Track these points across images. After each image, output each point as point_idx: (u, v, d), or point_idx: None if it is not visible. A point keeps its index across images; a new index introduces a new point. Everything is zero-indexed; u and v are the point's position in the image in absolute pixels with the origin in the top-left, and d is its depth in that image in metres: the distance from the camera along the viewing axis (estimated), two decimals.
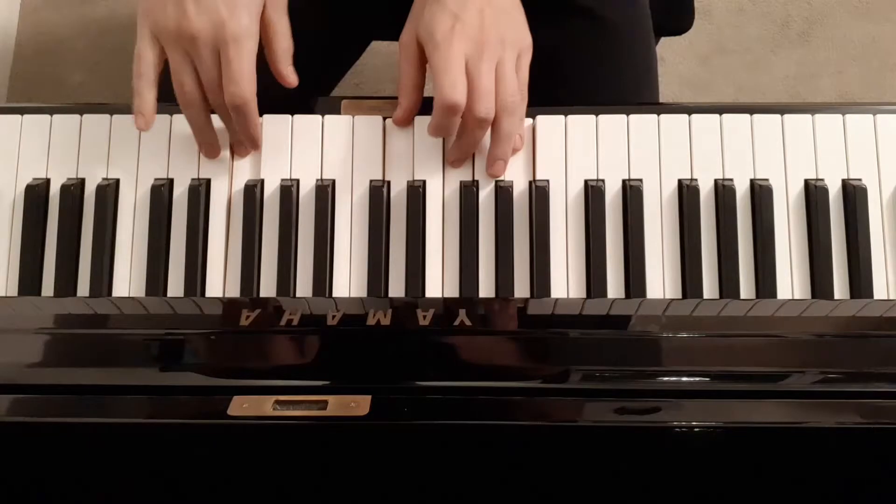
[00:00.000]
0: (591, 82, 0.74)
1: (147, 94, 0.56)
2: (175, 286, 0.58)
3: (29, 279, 0.59)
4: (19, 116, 0.61)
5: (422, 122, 0.60)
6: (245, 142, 0.58)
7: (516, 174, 0.60)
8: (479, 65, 0.55)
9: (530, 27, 0.75)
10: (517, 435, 0.43)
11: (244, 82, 0.54)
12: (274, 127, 0.60)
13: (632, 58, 0.73)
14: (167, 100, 0.74)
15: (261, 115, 0.58)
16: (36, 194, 0.59)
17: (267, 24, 0.57)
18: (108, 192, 0.59)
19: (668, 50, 1.24)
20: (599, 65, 0.72)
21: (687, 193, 0.59)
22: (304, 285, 0.58)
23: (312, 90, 0.67)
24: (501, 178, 0.59)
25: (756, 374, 0.47)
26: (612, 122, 0.60)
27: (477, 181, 0.59)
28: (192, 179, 0.60)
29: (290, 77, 0.58)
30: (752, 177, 0.59)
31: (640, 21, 0.76)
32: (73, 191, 0.59)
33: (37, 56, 1.40)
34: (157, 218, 0.59)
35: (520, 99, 0.57)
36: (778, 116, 0.59)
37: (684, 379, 0.46)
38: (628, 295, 0.57)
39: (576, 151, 0.60)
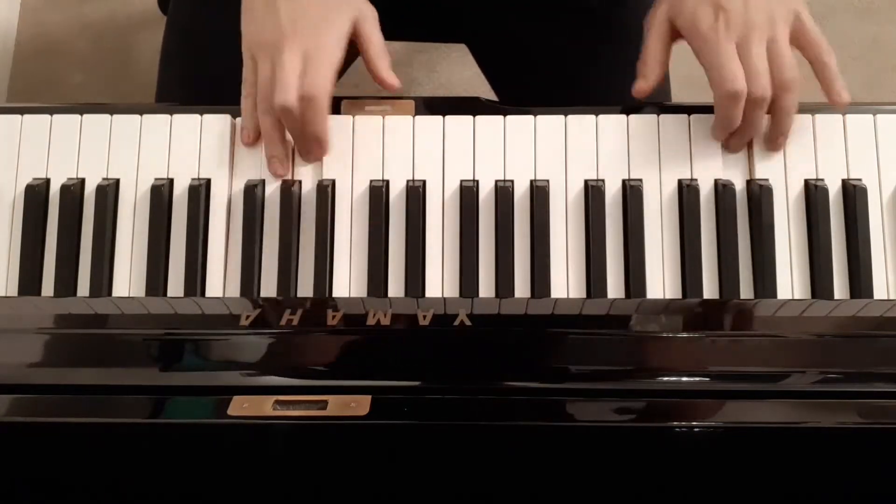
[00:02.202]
0: (594, 83, 0.74)
1: (252, 112, 0.58)
2: (175, 286, 0.58)
3: (29, 279, 0.59)
4: (19, 116, 0.61)
5: (422, 121, 0.60)
6: (311, 140, 0.58)
7: (516, 174, 0.60)
8: (750, 49, 0.56)
9: (533, 26, 0.75)
10: (517, 435, 0.43)
11: (321, 77, 0.56)
12: None
13: (636, 57, 0.73)
14: (164, 99, 0.74)
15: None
16: (36, 194, 0.59)
17: (361, 38, 0.59)
18: (108, 192, 0.59)
19: None
20: (604, 66, 0.72)
21: (687, 193, 0.59)
22: (304, 285, 0.58)
23: None
24: (502, 178, 0.59)
25: (756, 374, 0.47)
26: (612, 122, 0.60)
27: (477, 181, 0.59)
28: (192, 179, 0.60)
29: (391, 79, 0.59)
30: (752, 177, 0.59)
31: (642, 18, 0.75)
32: (73, 191, 0.59)
33: (37, 56, 1.40)
34: (157, 218, 0.59)
35: (797, 74, 0.57)
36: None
37: (684, 379, 0.46)
38: (628, 295, 0.57)
39: (576, 151, 0.60)
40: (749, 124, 0.57)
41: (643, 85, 0.60)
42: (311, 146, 0.58)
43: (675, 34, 0.60)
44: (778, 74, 0.56)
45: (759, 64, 0.56)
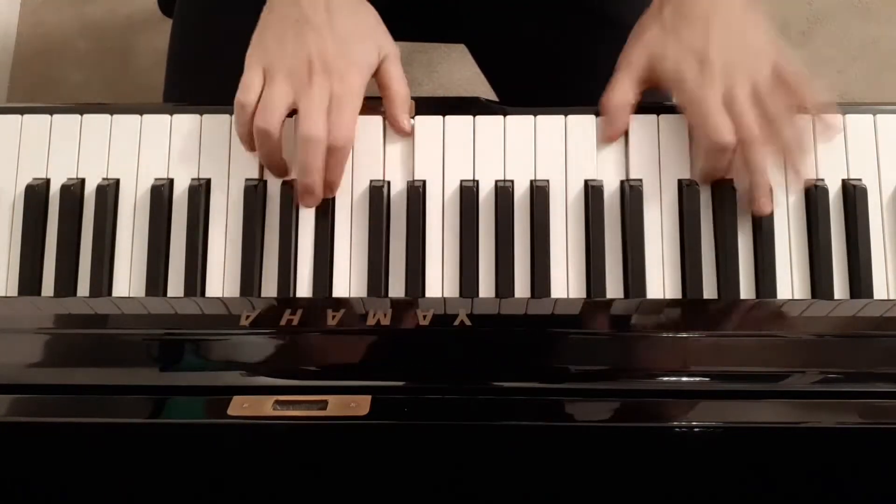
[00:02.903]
0: (595, 83, 0.74)
1: (248, 123, 0.57)
2: (175, 286, 0.58)
3: (29, 279, 0.59)
4: (19, 116, 0.61)
5: (422, 121, 0.60)
6: (326, 186, 0.58)
7: (516, 174, 0.60)
8: (734, 95, 0.56)
9: (533, 26, 0.75)
10: (517, 435, 0.43)
11: (350, 130, 0.57)
12: None
13: None
14: (170, 100, 0.74)
15: None
16: (36, 194, 0.59)
17: (384, 75, 0.60)
18: (108, 192, 0.59)
19: None
20: (604, 66, 0.71)
21: (687, 193, 0.59)
22: (304, 285, 0.58)
23: None
24: (502, 178, 0.59)
25: (756, 374, 0.47)
26: None
27: (477, 181, 0.59)
28: (192, 179, 0.60)
29: (404, 124, 0.60)
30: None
31: None
32: (73, 191, 0.59)
33: (37, 56, 1.40)
34: (157, 218, 0.59)
35: (789, 107, 0.57)
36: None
37: (684, 379, 0.46)
38: (628, 295, 0.57)
39: (576, 151, 0.60)
40: (755, 169, 0.57)
41: (611, 133, 0.59)
42: (327, 189, 0.58)
43: (649, 82, 0.60)
44: (768, 112, 0.56)
45: (744, 107, 0.56)
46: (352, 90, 0.57)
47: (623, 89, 0.59)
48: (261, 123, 0.56)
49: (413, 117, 0.61)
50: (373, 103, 0.60)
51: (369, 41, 0.59)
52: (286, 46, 0.57)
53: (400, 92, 0.60)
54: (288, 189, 0.59)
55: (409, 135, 0.60)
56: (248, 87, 0.57)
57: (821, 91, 0.58)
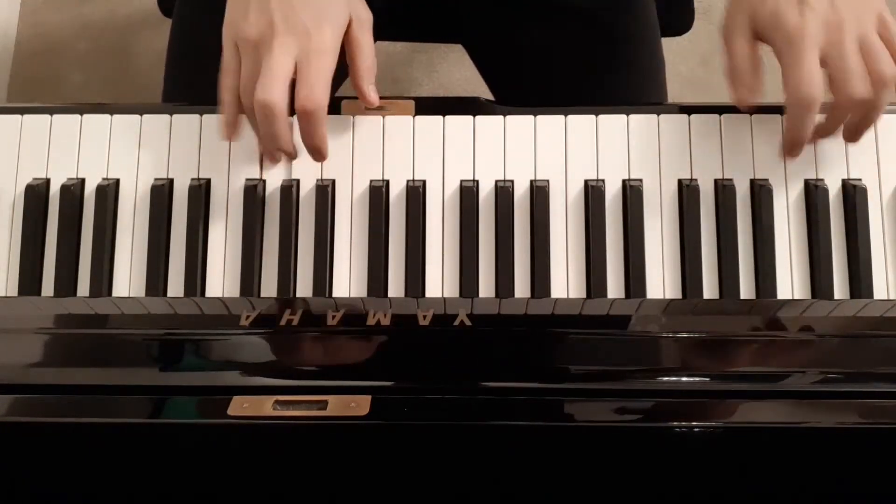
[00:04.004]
0: (589, 86, 0.74)
1: (235, 106, 0.56)
2: (175, 286, 0.58)
3: (29, 279, 0.59)
4: (19, 116, 0.61)
5: (422, 121, 0.60)
6: (310, 151, 0.57)
7: (516, 174, 0.60)
8: (842, 48, 0.53)
9: (531, 28, 0.75)
10: (517, 435, 0.43)
11: (319, 87, 0.54)
12: None
13: (635, 62, 0.73)
14: (170, 99, 0.74)
15: None
16: (36, 194, 0.59)
17: (352, 42, 0.57)
18: (108, 192, 0.59)
19: (668, 50, 1.24)
20: (598, 69, 0.71)
21: (687, 193, 0.59)
22: (304, 285, 0.58)
23: None
24: (502, 178, 0.59)
25: (756, 374, 0.47)
26: (612, 122, 0.60)
27: (477, 181, 0.60)
28: (192, 179, 0.60)
29: (371, 95, 0.58)
30: (752, 177, 0.59)
31: (643, 26, 0.75)
32: (73, 191, 0.59)
33: (37, 56, 1.40)
34: (157, 218, 0.59)
35: (893, 69, 0.54)
36: (778, 116, 0.59)
37: (684, 379, 0.46)
38: (628, 295, 0.57)
39: (576, 151, 0.60)
40: (837, 124, 0.55)
41: (745, 94, 0.57)
42: (312, 154, 0.57)
43: (755, 36, 0.57)
44: (875, 71, 0.54)
45: (856, 64, 0.53)
46: (320, 47, 0.54)
47: (739, 49, 0.57)
48: (244, 101, 0.55)
49: (413, 117, 0.61)
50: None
51: (339, 1, 0.57)
52: (249, 15, 0.55)
53: (366, 63, 0.58)
54: (288, 189, 0.59)
55: (375, 105, 0.59)
56: (226, 69, 0.56)
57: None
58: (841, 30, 0.53)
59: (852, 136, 0.57)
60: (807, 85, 0.53)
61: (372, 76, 0.58)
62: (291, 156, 0.58)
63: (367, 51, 0.58)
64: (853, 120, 0.56)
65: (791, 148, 0.57)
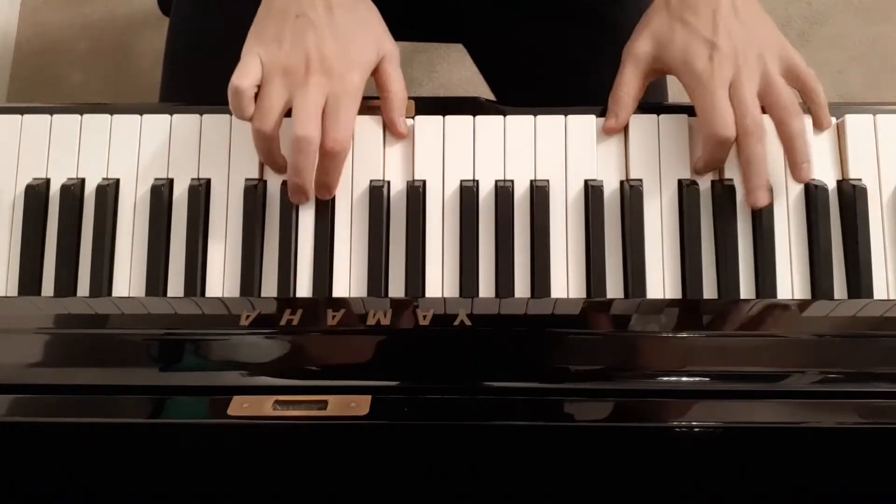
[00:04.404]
0: (594, 83, 0.73)
1: (248, 107, 0.57)
2: (175, 286, 0.58)
3: (29, 279, 0.59)
4: (19, 116, 0.61)
5: (422, 121, 0.60)
6: (322, 189, 0.58)
7: (516, 174, 0.60)
8: (742, 85, 0.56)
9: (530, 27, 0.75)
10: (517, 435, 0.43)
11: (347, 133, 0.56)
12: None
13: None
14: (168, 99, 0.74)
15: None
16: (36, 194, 0.59)
17: (383, 76, 0.60)
18: (108, 192, 0.59)
19: None
20: (599, 68, 0.71)
21: (687, 193, 0.59)
22: (304, 285, 0.58)
23: None
24: (502, 178, 0.59)
25: (756, 374, 0.47)
26: None
27: (477, 181, 0.59)
28: (192, 179, 0.60)
29: (401, 127, 0.60)
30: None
31: None
32: (73, 191, 0.59)
33: (37, 56, 1.40)
34: (157, 218, 0.59)
35: (794, 100, 0.57)
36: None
37: (684, 379, 0.46)
38: (628, 295, 0.57)
39: (576, 151, 0.60)
40: (753, 160, 0.57)
41: (614, 125, 0.59)
42: (320, 192, 0.58)
43: (655, 70, 0.60)
44: (776, 101, 0.57)
45: (750, 99, 0.56)
46: (349, 91, 0.57)
47: (628, 82, 0.60)
48: (258, 125, 0.56)
49: (413, 117, 0.61)
50: (373, 103, 0.60)
51: (369, 40, 0.59)
52: (284, 44, 0.57)
53: (398, 94, 0.60)
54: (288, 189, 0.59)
55: (405, 137, 0.60)
56: (245, 73, 0.56)
57: (820, 87, 0.59)
58: (741, 69, 0.57)
59: (796, 174, 0.58)
60: (720, 126, 0.56)
61: (403, 107, 0.60)
62: (306, 190, 0.57)
63: (398, 84, 0.60)
64: (788, 157, 0.58)
65: (706, 170, 0.59)
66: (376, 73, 0.60)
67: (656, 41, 0.59)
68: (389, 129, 0.60)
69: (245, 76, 0.56)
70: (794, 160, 0.58)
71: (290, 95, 0.56)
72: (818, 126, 0.59)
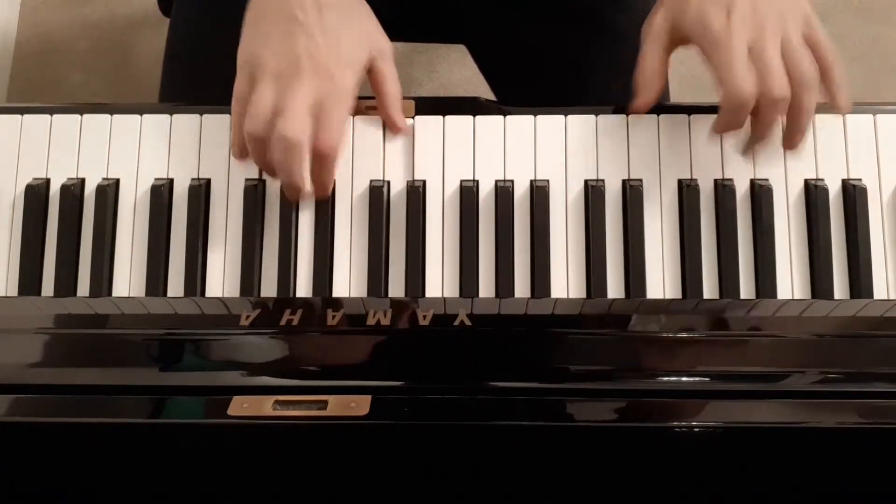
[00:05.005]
0: (594, 83, 0.74)
1: (240, 131, 0.57)
2: (175, 286, 0.58)
3: (29, 279, 0.59)
4: (19, 116, 0.61)
5: (422, 121, 0.60)
6: (317, 189, 0.57)
7: (516, 174, 0.60)
8: (764, 48, 0.54)
9: (532, 27, 0.75)
10: (517, 435, 0.43)
11: (337, 134, 0.55)
12: None
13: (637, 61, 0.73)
14: (168, 99, 0.74)
15: None
16: (36, 194, 0.59)
17: (376, 74, 0.59)
18: (108, 192, 0.59)
19: None
20: (600, 68, 0.71)
21: (687, 193, 0.59)
22: (304, 285, 0.58)
23: None
24: (502, 178, 0.59)
25: (756, 374, 0.47)
26: (612, 123, 0.60)
27: (477, 181, 0.59)
28: (192, 179, 0.60)
29: (399, 123, 0.59)
30: (752, 177, 0.59)
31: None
32: (73, 191, 0.59)
33: (37, 56, 1.40)
34: (157, 218, 0.59)
35: (814, 70, 0.55)
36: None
37: (684, 379, 0.46)
38: (628, 295, 0.57)
39: (576, 151, 0.60)
40: (766, 126, 0.56)
41: (643, 101, 0.59)
42: (316, 190, 0.58)
43: (675, 41, 0.59)
44: (796, 72, 0.55)
45: (776, 64, 0.54)
46: (340, 91, 0.56)
47: (651, 57, 0.59)
48: (249, 128, 0.55)
49: (413, 117, 0.61)
50: (373, 103, 0.60)
51: (360, 38, 0.58)
52: (273, 46, 0.56)
53: (392, 92, 0.59)
54: None
55: (405, 134, 0.60)
56: (240, 97, 0.56)
57: (839, 63, 0.57)
58: (763, 30, 0.54)
59: (788, 142, 0.58)
60: (740, 87, 0.54)
61: (398, 104, 0.59)
62: (299, 189, 0.56)
63: (392, 80, 0.59)
64: (787, 126, 0.57)
65: (721, 131, 0.58)
66: (371, 73, 0.59)
67: (671, 12, 0.58)
68: (388, 127, 0.60)
69: (238, 100, 0.56)
70: (791, 130, 0.57)
71: (279, 98, 0.55)
72: (834, 107, 0.57)
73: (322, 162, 0.56)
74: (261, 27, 0.57)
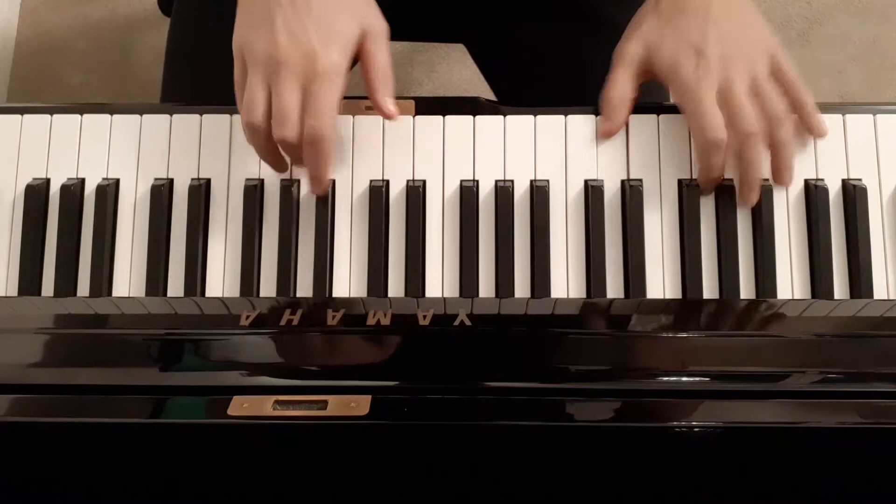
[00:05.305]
0: (594, 83, 0.74)
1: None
2: (175, 286, 0.58)
3: (29, 279, 0.59)
4: (19, 116, 0.61)
5: (422, 121, 0.60)
6: (311, 180, 0.57)
7: (516, 174, 0.60)
8: (732, 90, 0.56)
9: (532, 26, 0.75)
10: (517, 435, 0.43)
11: (325, 117, 0.54)
12: None
13: None
14: (169, 99, 0.74)
15: None
16: (36, 194, 0.59)
17: (365, 56, 0.56)
18: (108, 192, 0.59)
19: None
20: (600, 67, 0.71)
21: (687, 193, 0.59)
22: (304, 285, 0.58)
23: None
24: (502, 178, 0.59)
25: (756, 374, 0.47)
26: None
27: (477, 181, 0.60)
28: (192, 179, 0.60)
29: (388, 107, 0.57)
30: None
31: None
32: (73, 191, 0.59)
33: (37, 56, 1.40)
34: (157, 218, 0.59)
35: (783, 104, 0.57)
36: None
37: (684, 379, 0.46)
38: (628, 295, 0.57)
39: (576, 151, 0.60)
40: (748, 163, 0.57)
41: (609, 128, 0.59)
42: (312, 184, 0.58)
43: (646, 73, 0.60)
44: (766, 108, 0.56)
45: (743, 103, 0.56)
46: (328, 71, 0.53)
47: (621, 84, 0.59)
48: (246, 119, 0.55)
49: (413, 117, 0.61)
50: (370, 101, 0.60)
51: (349, 14, 0.56)
52: (258, 31, 0.55)
53: (379, 75, 0.57)
54: (288, 189, 0.59)
55: (394, 118, 0.58)
56: (238, 86, 0.56)
57: (809, 94, 0.58)
58: (731, 71, 0.56)
59: (777, 180, 0.59)
60: (711, 131, 0.56)
61: (388, 88, 0.57)
62: (317, 178, 0.57)
63: (381, 64, 0.57)
64: (772, 162, 0.58)
65: (708, 183, 0.58)
66: (360, 52, 0.57)
67: (646, 45, 0.59)
68: (378, 111, 0.57)
69: (238, 87, 0.56)
70: (776, 166, 0.58)
71: (268, 85, 0.54)
72: (812, 133, 0.59)
73: (313, 147, 0.54)
74: (247, 13, 0.56)
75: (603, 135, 0.60)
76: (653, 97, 0.64)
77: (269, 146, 0.57)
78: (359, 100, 0.61)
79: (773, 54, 0.58)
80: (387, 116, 0.57)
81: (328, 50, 0.54)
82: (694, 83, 0.56)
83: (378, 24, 0.57)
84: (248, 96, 0.55)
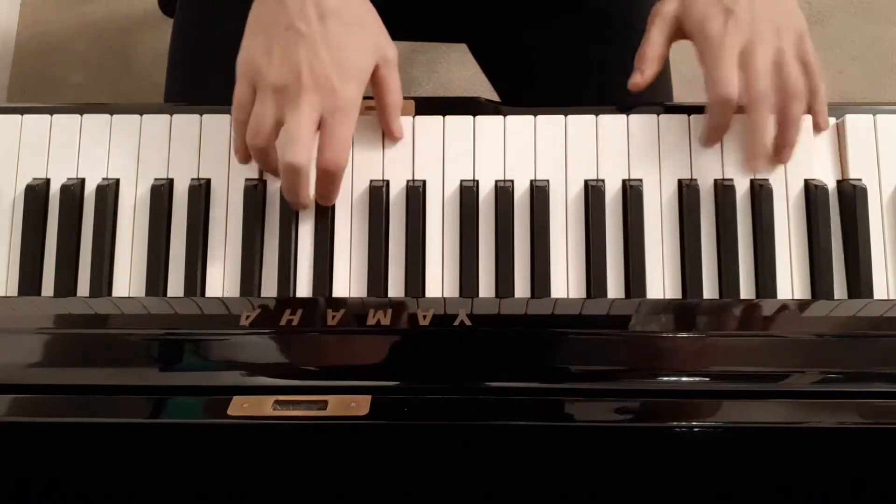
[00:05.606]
0: (595, 83, 0.74)
1: (242, 138, 0.57)
2: (175, 286, 0.58)
3: (29, 279, 0.59)
4: (19, 116, 0.61)
5: (422, 121, 0.60)
6: (320, 199, 0.58)
7: (516, 174, 0.60)
8: (754, 52, 0.56)
9: (531, 25, 0.75)
10: (517, 435, 0.43)
11: (343, 151, 0.55)
12: None
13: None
14: (172, 99, 0.74)
15: None
16: (36, 194, 0.59)
17: (379, 82, 0.58)
18: (108, 192, 0.59)
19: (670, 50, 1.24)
20: (601, 67, 0.72)
21: (687, 193, 0.59)
22: (304, 285, 0.58)
23: None
24: (502, 178, 0.59)
25: (756, 374, 0.47)
26: (612, 122, 0.60)
27: (477, 181, 0.59)
28: (192, 179, 0.60)
29: (397, 132, 0.59)
30: (752, 177, 0.59)
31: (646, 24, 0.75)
32: (73, 191, 0.59)
33: (37, 56, 1.40)
34: (157, 218, 0.59)
35: (804, 83, 0.57)
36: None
37: (684, 379, 0.46)
38: (628, 295, 0.57)
39: (576, 151, 0.60)
40: (755, 127, 0.57)
41: (639, 79, 0.60)
42: (320, 202, 0.58)
43: (678, 33, 0.60)
44: (785, 81, 0.57)
45: (762, 67, 0.56)
46: (345, 106, 0.55)
47: (654, 41, 0.60)
48: (251, 142, 0.55)
49: (413, 117, 0.61)
50: (373, 103, 0.60)
51: (365, 48, 0.57)
52: (273, 58, 0.55)
53: (393, 102, 0.59)
54: None
55: (399, 139, 0.60)
56: (240, 105, 0.56)
57: (824, 85, 0.59)
58: (757, 36, 0.57)
59: (777, 156, 0.59)
60: (723, 86, 0.56)
61: (398, 113, 0.59)
62: (305, 206, 0.58)
63: (394, 89, 0.59)
64: (776, 136, 0.58)
65: (710, 137, 0.59)
66: (374, 78, 0.58)
67: (682, 4, 0.60)
68: (386, 134, 0.60)
69: (239, 107, 0.56)
70: (780, 143, 0.58)
71: (281, 113, 0.55)
72: (816, 127, 0.59)
73: (328, 177, 0.56)
74: (262, 36, 0.56)
75: (632, 87, 0.60)
76: (657, 97, 0.64)
77: (269, 165, 0.57)
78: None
79: (801, 34, 0.58)
80: (393, 139, 0.60)
81: (347, 86, 0.55)
82: (718, 38, 0.57)
83: (391, 52, 0.59)
84: (256, 119, 0.55)
